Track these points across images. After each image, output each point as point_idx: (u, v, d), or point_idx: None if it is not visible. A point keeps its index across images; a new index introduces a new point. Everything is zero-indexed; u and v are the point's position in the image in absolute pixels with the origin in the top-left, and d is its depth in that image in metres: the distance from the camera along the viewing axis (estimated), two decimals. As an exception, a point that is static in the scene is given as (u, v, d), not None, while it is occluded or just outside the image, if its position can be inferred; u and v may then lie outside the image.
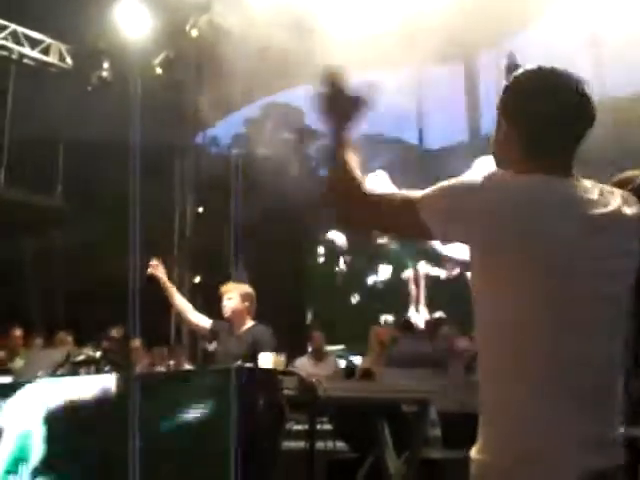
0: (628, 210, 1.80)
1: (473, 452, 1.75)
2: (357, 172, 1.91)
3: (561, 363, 1.67)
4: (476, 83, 10.86)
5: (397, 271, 12.70)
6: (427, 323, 10.49)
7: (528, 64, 1.90)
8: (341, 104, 1.97)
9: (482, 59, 10.76)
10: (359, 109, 1.98)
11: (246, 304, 5.91)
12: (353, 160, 1.94)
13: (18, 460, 4.72)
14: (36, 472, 4.59)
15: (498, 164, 1.90)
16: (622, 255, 1.76)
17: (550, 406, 1.65)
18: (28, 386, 4.83)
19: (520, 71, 1.88)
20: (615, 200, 1.80)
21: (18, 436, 4.77)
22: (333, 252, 14.47)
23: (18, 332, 9.02)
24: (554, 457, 1.63)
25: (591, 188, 1.80)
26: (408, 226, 1.86)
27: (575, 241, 1.70)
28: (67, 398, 4.70)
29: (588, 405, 1.66)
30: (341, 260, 14.31)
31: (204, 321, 6.06)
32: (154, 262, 5.92)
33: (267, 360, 5.43)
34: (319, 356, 9.04)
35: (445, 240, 1.93)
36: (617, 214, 1.77)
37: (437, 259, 11.65)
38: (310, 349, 9.47)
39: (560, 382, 1.66)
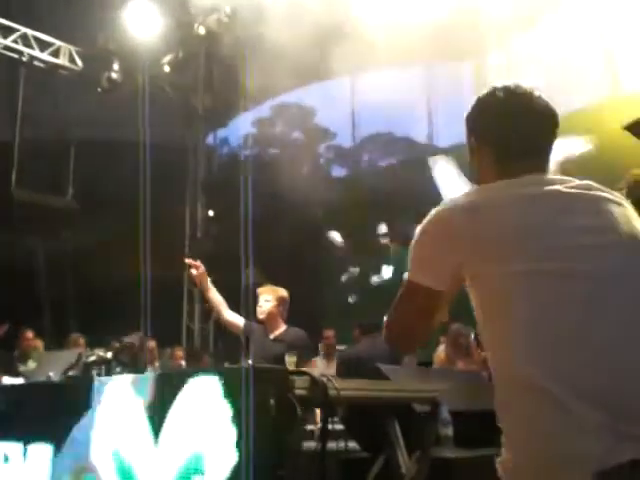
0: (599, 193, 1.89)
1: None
2: None
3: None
4: (485, 81, 10.82)
5: (399, 272, 12.69)
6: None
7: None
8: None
9: (491, 57, 10.73)
10: None
11: (281, 308, 5.96)
12: None
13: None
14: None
15: (476, 176, 2.12)
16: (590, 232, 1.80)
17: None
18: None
19: (478, 97, 2.13)
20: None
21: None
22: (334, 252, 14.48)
23: (30, 334, 9.03)
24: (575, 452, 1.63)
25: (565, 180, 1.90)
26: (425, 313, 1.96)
27: (539, 225, 1.79)
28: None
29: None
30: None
31: (238, 319, 6.09)
32: (195, 263, 6.00)
33: (293, 364, 5.46)
34: (330, 356, 9.01)
35: (450, 289, 1.96)
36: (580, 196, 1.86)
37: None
38: (322, 348, 9.46)
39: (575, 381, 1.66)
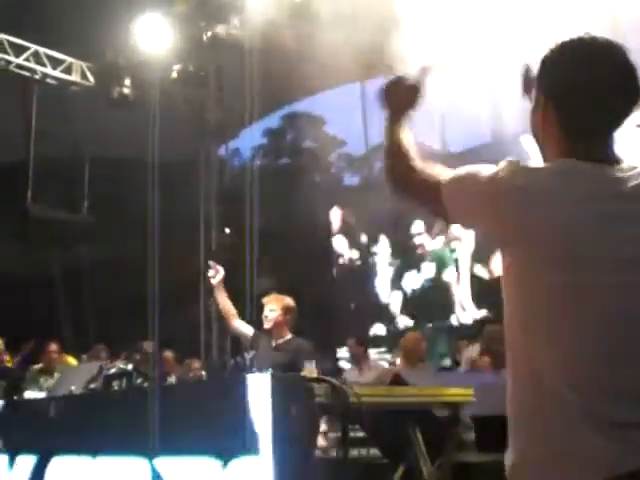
0: None
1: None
2: (412, 151, 1.97)
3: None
4: (498, 84, 10.79)
5: (439, 271, 12.63)
6: (475, 322, 10.43)
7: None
8: (400, 90, 2.10)
9: (504, 60, 10.71)
10: (416, 95, 2.11)
11: (287, 317, 5.95)
12: (409, 139, 2.02)
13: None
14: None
15: (540, 149, 1.83)
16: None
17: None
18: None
19: (557, 43, 1.78)
20: None
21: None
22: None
23: (54, 347, 8.91)
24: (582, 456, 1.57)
25: (628, 177, 1.67)
26: (430, 206, 1.91)
27: (587, 230, 1.61)
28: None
29: (622, 401, 1.58)
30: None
31: (247, 329, 6.11)
32: (217, 267, 6.04)
33: (313, 372, 5.46)
34: (360, 364, 8.90)
35: (464, 226, 1.99)
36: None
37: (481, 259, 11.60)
38: (349, 357, 9.41)
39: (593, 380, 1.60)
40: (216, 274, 6.04)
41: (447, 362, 10.94)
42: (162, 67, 10.86)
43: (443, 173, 1.84)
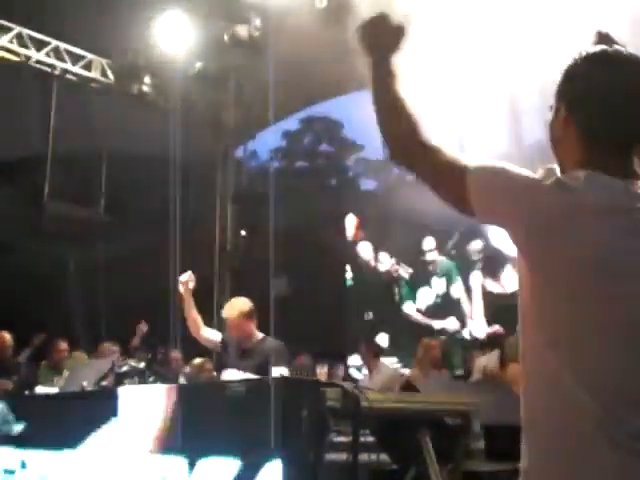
0: None
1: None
2: (414, 113, 1.83)
3: None
4: (517, 92, 10.75)
5: (448, 284, 12.59)
6: (488, 336, 10.39)
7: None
8: (384, 32, 1.95)
9: (524, 82, 10.65)
10: (401, 36, 1.96)
11: (250, 321, 5.89)
12: (405, 95, 1.88)
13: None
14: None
15: (558, 160, 1.78)
16: None
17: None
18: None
19: (580, 53, 1.73)
20: None
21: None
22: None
23: (63, 346, 8.91)
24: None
25: None
26: (448, 189, 1.75)
27: (619, 245, 1.57)
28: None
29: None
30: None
31: (214, 335, 6.09)
32: (186, 278, 5.97)
33: (282, 374, 5.44)
34: (370, 366, 8.90)
35: (483, 218, 1.78)
36: None
37: (491, 272, 11.58)
38: (361, 361, 9.40)
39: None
40: (187, 283, 5.94)
41: (460, 372, 10.95)
42: (182, 66, 10.88)
43: (463, 157, 1.75)
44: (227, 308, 6.00)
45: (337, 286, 14.70)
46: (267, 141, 20.04)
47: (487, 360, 8.81)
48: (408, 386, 6.27)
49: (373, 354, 9.04)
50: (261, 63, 10.87)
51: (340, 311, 14.51)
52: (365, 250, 14.06)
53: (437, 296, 12.63)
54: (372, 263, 13.98)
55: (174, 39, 10.60)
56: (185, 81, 11.21)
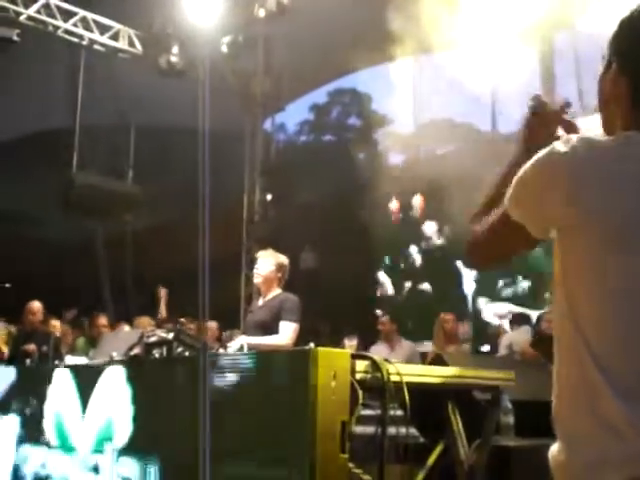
0: None
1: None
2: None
3: None
4: (551, 66, 10.60)
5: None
6: (514, 314, 10.35)
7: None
8: (544, 123, 1.87)
9: (557, 42, 10.48)
10: (555, 130, 1.86)
11: (279, 274, 5.86)
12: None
13: (104, 440, 4.76)
14: (122, 452, 4.62)
15: (604, 120, 1.70)
16: None
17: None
18: (113, 367, 4.86)
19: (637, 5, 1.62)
20: None
21: (104, 416, 4.82)
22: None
23: (103, 320, 8.91)
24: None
25: None
26: (516, 242, 1.70)
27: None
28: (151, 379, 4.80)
29: None
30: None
31: None
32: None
33: (287, 330, 5.44)
34: (392, 341, 8.87)
35: (543, 233, 1.66)
36: None
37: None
38: (382, 335, 9.37)
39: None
40: None
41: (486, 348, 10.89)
42: (211, 36, 10.80)
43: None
44: (262, 252, 6.01)
45: (368, 258, 14.68)
46: (295, 114, 19.95)
47: (515, 337, 8.75)
48: (437, 360, 6.23)
49: (395, 326, 9.03)
50: (290, 34, 10.79)
51: (369, 281, 14.50)
52: (430, 229, 13.91)
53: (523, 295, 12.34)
54: (436, 242, 13.87)
55: (202, 8, 10.51)
56: (214, 51, 11.13)
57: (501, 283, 12.67)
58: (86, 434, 4.96)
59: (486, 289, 12.92)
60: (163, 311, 8.73)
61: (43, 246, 14.27)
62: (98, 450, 4.79)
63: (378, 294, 14.53)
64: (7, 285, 9.82)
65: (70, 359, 6.69)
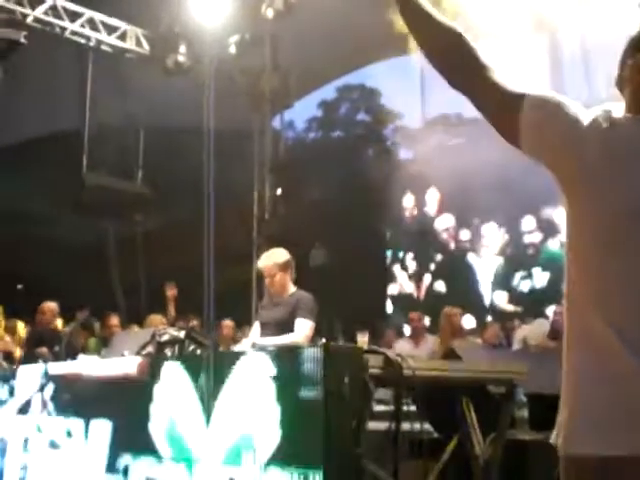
0: None
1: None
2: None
3: None
4: (560, 57, 10.55)
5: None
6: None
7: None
8: None
9: (566, 32, 10.43)
10: None
11: (287, 272, 5.83)
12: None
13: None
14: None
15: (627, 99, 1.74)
16: None
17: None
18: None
19: None
20: None
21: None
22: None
23: (115, 321, 8.82)
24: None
25: None
26: (501, 120, 1.71)
27: None
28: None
29: None
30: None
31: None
32: None
33: (304, 327, 5.42)
34: (418, 337, 8.87)
35: (530, 154, 1.72)
36: None
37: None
38: (410, 331, 9.40)
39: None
40: None
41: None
42: (218, 35, 10.79)
43: (514, 82, 1.71)
44: (263, 258, 5.97)
45: (376, 255, 14.67)
46: (304, 111, 19.95)
47: (529, 331, 8.72)
48: (450, 354, 6.21)
49: (423, 323, 9.09)
50: (297, 31, 10.76)
51: (380, 277, 14.47)
52: (446, 222, 13.80)
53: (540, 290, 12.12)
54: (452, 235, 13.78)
55: (209, 7, 10.49)
56: (221, 50, 11.11)
57: (518, 276, 12.57)
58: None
59: (503, 283, 12.86)
60: (172, 310, 8.70)
61: (54, 247, 14.29)
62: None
63: (396, 291, 14.52)
64: (19, 286, 9.84)
65: (83, 358, 6.69)
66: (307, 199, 14.13)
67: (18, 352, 8.46)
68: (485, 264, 12.96)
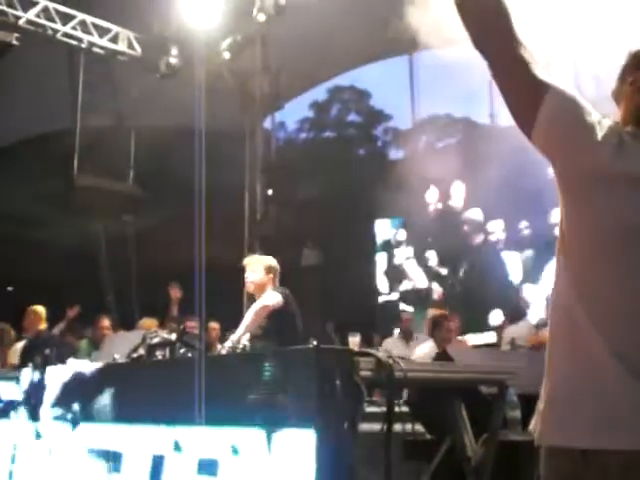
0: None
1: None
2: None
3: None
4: (550, 59, 10.56)
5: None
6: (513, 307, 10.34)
7: None
8: None
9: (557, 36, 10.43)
10: None
11: (270, 276, 5.84)
12: None
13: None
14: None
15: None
16: None
17: None
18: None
19: None
20: None
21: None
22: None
23: (105, 323, 8.78)
24: None
25: None
26: (520, 101, 1.71)
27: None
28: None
29: None
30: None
31: None
32: None
33: (261, 300, 5.43)
34: (408, 337, 8.94)
35: (536, 145, 1.72)
36: None
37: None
38: (398, 330, 9.44)
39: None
40: None
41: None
42: (209, 37, 10.78)
43: (544, 71, 1.69)
44: (247, 259, 6.00)
45: (368, 255, 14.67)
46: (295, 112, 19.97)
47: (516, 331, 8.74)
48: (442, 355, 6.23)
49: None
50: (288, 32, 10.76)
51: (372, 278, 14.47)
52: (476, 215, 13.76)
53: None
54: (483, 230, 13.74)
55: (200, 9, 10.48)
56: (212, 52, 11.10)
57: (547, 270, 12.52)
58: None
59: (532, 276, 12.84)
60: (175, 310, 8.70)
61: (45, 249, 14.28)
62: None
63: (409, 287, 14.44)
64: (9, 288, 9.80)
65: (73, 362, 6.67)
66: (298, 200, 14.12)
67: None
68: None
